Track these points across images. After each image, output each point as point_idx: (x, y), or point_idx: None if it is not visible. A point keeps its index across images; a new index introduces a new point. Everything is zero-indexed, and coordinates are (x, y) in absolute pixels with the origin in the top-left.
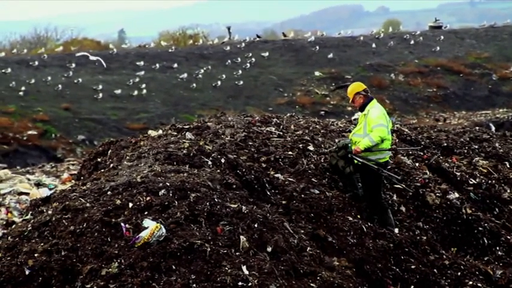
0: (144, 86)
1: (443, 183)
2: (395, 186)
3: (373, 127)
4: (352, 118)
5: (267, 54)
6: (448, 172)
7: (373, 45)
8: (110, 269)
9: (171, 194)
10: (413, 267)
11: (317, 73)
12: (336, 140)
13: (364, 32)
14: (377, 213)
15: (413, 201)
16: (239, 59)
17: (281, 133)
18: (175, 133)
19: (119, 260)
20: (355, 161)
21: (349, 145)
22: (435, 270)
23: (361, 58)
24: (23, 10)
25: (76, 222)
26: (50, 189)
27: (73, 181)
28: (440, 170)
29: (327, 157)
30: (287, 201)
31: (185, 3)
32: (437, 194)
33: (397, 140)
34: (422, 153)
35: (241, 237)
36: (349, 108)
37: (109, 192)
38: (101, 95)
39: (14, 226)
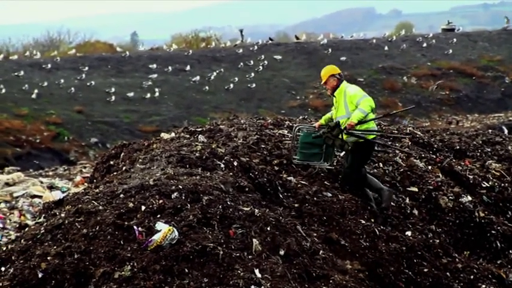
0: (156, 88)
1: (456, 186)
2: (407, 189)
3: (358, 101)
4: None
5: (279, 57)
6: (460, 175)
7: (386, 48)
8: (123, 272)
9: (183, 197)
10: (426, 270)
11: None
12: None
13: (376, 35)
14: (364, 185)
15: (426, 205)
16: (252, 62)
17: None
18: (188, 136)
19: (131, 263)
20: (351, 137)
21: (340, 123)
22: (448, 273)
23: (373, 61)
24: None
25: (89, 225)
26: (63, 192)
27: (86, 184)
28: (453, 173)
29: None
30: (300, 204)
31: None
32: (450, 197)
33: (409, 143)
34: (435, 156)
35: (254, 240)
36: None
37: (122, 195)
38: (113, 97)
39: (26, 229)
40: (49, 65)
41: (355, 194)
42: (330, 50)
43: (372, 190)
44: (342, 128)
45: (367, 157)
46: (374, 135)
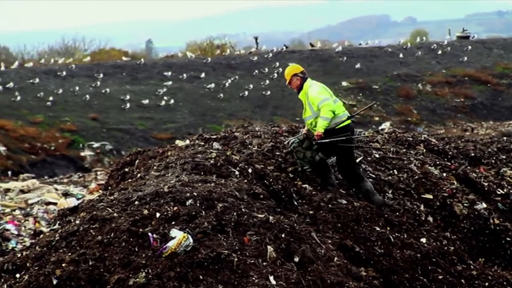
0: (171, 96)
1: (470, 193)
2: (422, 196)
3: (318, 105)
4: (380, 128)
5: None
6: (475, 182)
7: (401, 55)
8: (138, 279)
9: (198, 204)
10: (440, 277)
11: (344, 83)
12: (291, 139)
13: (391, 42)
14: (355, 185)
15: (441, 212)
16: (266, 69)
17: None
18: (203, 143)
19: (146, 270)
20: (323, 144)
21: (308, 134)
22: (463, 280)
23: (388, 68)
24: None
25: (103, 232)
26: (78, 199)
27: (100, 191)
28: (467, 180)
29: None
30: (314, 211)
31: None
32: (465, 204)
33: (424, 151)
34: (449, 164)
35: (269, 247)
36: (377, 119)
37: (136, 202)
38: (128, 105)
39: (41, 236)
40: (64, 73)
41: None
42: (344, 57)
43: (360, 192)
44: (312, 138)
45: (349, 153)
46: (344, 137)
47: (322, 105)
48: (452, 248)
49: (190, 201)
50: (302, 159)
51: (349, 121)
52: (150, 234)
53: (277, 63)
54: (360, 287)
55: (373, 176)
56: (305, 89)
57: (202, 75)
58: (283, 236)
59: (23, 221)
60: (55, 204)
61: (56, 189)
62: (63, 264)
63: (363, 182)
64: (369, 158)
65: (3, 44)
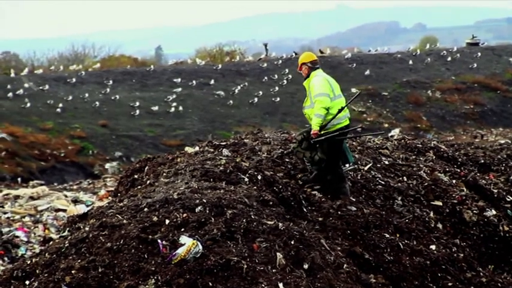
0: (181, 102)
1: (480, 200)
2: (432, 203)
3: (314, 97)
4: (389, 135)
5: None
6: (485, 189)
7: (410, 62)
8: (147, 286)
9: (207, 211)
10: (450, 284)
11: (354, 90)
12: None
13: (401, 49)
14: (333, 183)
15: (450, 218)
16: (276, 76)
17: None
18: (212, 150)
19: (155, 277)
20: (320, 141)
21: (307, 133)
22: (472, 287)
23: (397, 75)
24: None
25: (113, 238)
26: (87, 205)
27: (110, 198)
28: (477, 187)
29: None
30: (324, 218)
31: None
32: (475, 211)
33: (434, 157)
34: (459, 170)
35: (278, 254)
36: (386, 125)
37: (146, 209)
38: (138, 111)
39: (51, 243)
40: (74, 79)
41: (380, 207)
42: (354, 64)
43: (336, 192)
44: (310, 138)
45: (337, 150)
46: (338, 133)
47: (316, 99)
48: (462, 255)
49: (199, 208)
50: (301, 159)
51: (347, 122)
52: (159, 241)
53: (287, 70)
54: None
55: (383, 182)
56: (310, 78)
57: (212, 81)
58: (292, 242)
59: (32, 227)
60: (64, 211)
61: (66, 196)
62: (73, 271)
63: (341, 183)
64: (379, 165)
65: (13, 51)
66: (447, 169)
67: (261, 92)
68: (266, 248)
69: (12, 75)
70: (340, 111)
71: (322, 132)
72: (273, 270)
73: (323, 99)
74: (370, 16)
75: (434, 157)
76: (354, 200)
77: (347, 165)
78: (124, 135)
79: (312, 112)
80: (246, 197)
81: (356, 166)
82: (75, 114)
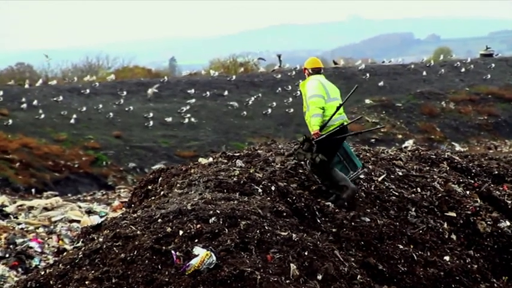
0: (194, 113)
1: (494, 211)
2: (445, 214)
3: (307, 99)
4: (403, 146)
5: None
6: (499, 200)
7: (424, 73)
8: None
9: (221, 222)
10: None
11: (368, 101)
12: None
13: (414, 60)
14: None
15: (464, 230)
16: (290, 87)
17: None
18: (226, 161)
19: None
20: (321, 141)
21: (308, 136)
22: None
23: (411, 86)
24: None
25: (127, 249)
26: (101, 216)
27: (124, 208)
28: (491, 198)
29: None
30: (337, 229)
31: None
32: (488, 222)
33: (447, 168)
34: (473, 182)
35: (292, 265)
36: (400, 136)
37: (159, 220)
38: (151, 122)
39: (65, 253)
40: (87, 90)
41: (394, 218)
42: (368, 75)
43: (333, 186)
44: (311, 139)
45: (334, 150)
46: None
47: (310, 101)
48: (476, 266)
49: (213, 218)
50: (304, 161)
51: (341, 121)
52: (173, 251)
53: (300, 81)
54: None
55: (396, 193)
56: (305, 81)
57: (226, 93)
58: (306, 253)
59: (46, 238)
60: (78, 221)
61: (80, 207)
62: (87, 282)
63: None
64: (392, 176)
65: (27, 62)
66: (461, 180)
67: (274, 103)
68: (280, 258)
69: (27, 86)
70: (338, 109)
71: (322, 133)
72: (287, 281)
73: (316, 99)
74: (384, 27)
75: (448, 168)
76: (368, 211)
77: (358, 170)
78: (138, 146)
79: (309, 115)
80: (260, 208)
81: (366, 171)
82: (89, 125)
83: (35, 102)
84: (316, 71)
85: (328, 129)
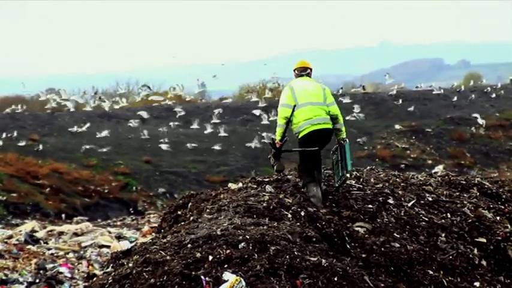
0: (224, 139)
1: None
2: (476, 240)
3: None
4: (433, 171)
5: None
6: None
7: (454, 99)
8: None
9: (250, 247)
10: None
11: (397, 126)
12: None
13: (444, 85)
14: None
15: (495, 255)
16: None
17: (361, 186)
18: (255, 186)
19: None
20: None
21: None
22: None
23: (441, 111)
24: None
25: (156, 275)
26: (131, 241)
27: (153, 234)
28: None
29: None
30: (367, 255)
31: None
32: None
33: (477, 194)
34: (503, 207)
35: None
36: (430, 162)
37: (189, 245)
38: (181, 147)
39: (95, 279)
40: (118, 116)
41: (424, 244)
42: (399, 100)
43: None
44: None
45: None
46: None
47: (278, 110)
48: None
49: (243, 244)
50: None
51: (311, 128)
52: (202, 277)
53: None
54: None
55: (426, 219)
56: (286, 85)
57: (255, 118)
58: (335, 279)
59: (76, 263)
60: (108, 247)
61: (109, 232)
62: None
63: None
64: (422, 201)
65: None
66: (491, 206)
67: None
68: (309, 284)
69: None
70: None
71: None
72: None
73: (281, 109)
74: (414, 52)
75: (478, 194)
76: (398, 236)
77: (345, 172)
78: (167, 171)
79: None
80: (289, 233)
81: (348, 177)
82: (119, 150)
83: (65, 128)
84: (301, 70)
85: (300, 134)
